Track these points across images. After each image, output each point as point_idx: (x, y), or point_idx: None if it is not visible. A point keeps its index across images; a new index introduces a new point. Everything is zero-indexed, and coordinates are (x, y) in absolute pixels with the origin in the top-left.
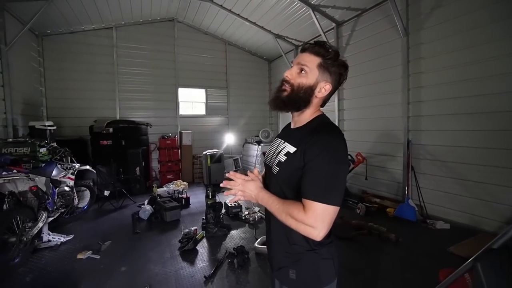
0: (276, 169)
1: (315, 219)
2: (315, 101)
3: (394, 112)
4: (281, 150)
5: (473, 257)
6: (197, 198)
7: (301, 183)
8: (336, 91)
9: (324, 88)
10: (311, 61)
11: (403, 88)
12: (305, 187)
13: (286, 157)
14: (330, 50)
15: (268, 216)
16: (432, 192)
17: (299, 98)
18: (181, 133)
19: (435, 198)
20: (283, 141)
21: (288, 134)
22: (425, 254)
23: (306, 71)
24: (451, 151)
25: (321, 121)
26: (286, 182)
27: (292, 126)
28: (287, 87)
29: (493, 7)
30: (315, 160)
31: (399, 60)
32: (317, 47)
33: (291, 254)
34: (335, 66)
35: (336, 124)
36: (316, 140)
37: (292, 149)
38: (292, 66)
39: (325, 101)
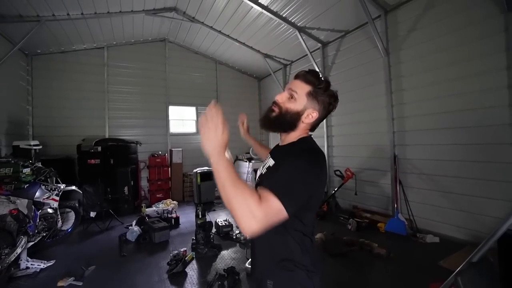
0: (258, 180)
1: (265, 213)
2: (302, 126)
3: (380, 127)
4: (265, 165)
5: (455, 272)
6: (187, 217)
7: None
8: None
9: (311, 115)
10: (302, 88)
11: (387, 105)
12: (268, 181)
13: (266, 170)
14: (322, 80)
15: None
16: (421, 206)
17: (285, 121)
18: (171, 151)
19: (424, 212)
20: (269, 157)
21: (275, 151)
22: (416, 268)
23: (295, 98)
24: (436, 164)
25: (304, 141)
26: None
27: (280, 144)
28: (275, 109)
29: (464, 30)
30: (283, 165)
31: (382, 78)
32: (309, 75)
33: (271, 266)
34: (324, 95)
35: (325, 140)
36: (291, 152)
37: (272, 162)
38: (284, 90)
39: (313, 126)
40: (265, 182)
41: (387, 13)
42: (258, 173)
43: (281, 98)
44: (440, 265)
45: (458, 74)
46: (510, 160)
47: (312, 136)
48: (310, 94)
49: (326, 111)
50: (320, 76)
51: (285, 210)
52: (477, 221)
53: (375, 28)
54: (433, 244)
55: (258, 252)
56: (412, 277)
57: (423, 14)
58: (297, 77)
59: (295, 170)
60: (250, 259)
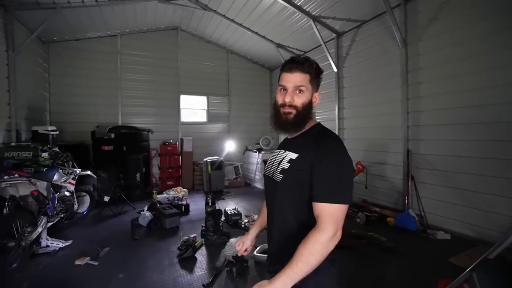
0: (279, 176)
1: (328, 220)
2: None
3: (393, 121)
4: (283, 159)
5: (470, 267)
6: (197, 205)
7: (312, 189)
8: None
9: (316, 97)
10: (304, 79)
11: (402, 98)
12: (316, 191)
13: (289, 164)
14: (314, 65)
15: (271, 221)
16: (432, 202)
17: (304, 116)
18: (182, 139)
19: (435, 208)
20: (283, 151)
21: (287, 144)
22: (425, 264)
23: (303, 90)
24: (450, 160)
25: (320, 129)
26: (290, 188)
27: (289, 137)
28: (291, 110)
29: (489, 20)
30: (321, 166)
31: (398, 70)
32: (305, 64)
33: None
34: (318, 75)
35: (337, 132)
36: (319, 146)
37: (294, 155)
38: (280, 87)
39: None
40: (318, 195)
41: (407, 1)
42: (279, 168)
43: (291, 97)
44: (451, 262)
45: (480, 67)
46: None
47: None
48: (311, 81)
49: (320, 81)
50: (310, 60)
51: (347, 205)
52: (491, 219)
53: (394, 18)
54: (443, 241)
55: (278, 244)
56: (421, 273)
57: (447, 1)
58: (291, 69)
59: (336, 167)
60: (258, 248)
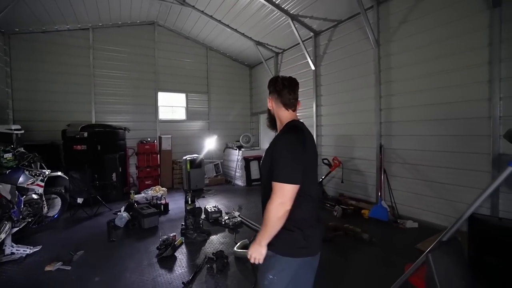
0: (261, 163)
1: (275, 194)
2: (275, 111)
3: (367, 118)
4: (267, 149)
5: (427, 250)
6: (177, 204)
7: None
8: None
9: (269, 101)
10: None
11: (375, 96)
12: (274, 173)
13: (265, 153)
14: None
15: (263, 198)
16: (403, 194)
17: (270, 117)
18: (160, 138)
19: (405, 199)
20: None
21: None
22: (395, 251)
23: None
24: (419, 155)
25: (286, 125)
26: (264, 170)
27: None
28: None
29: (452, 24)
30: (274, 153)
31: (372, 69)
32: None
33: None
34: (270, 87)
35: (314, 129)
36: (277, 138)
37: (267, 146)
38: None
39: (285, 105)
40: (274, 174)
41: (380, 4)
42: (263, 155)
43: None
44: (417, 248)
45: (444, 67)
46: (487, 151)
47: (296, 120)
48: (269, 94)
49: (276, 91)
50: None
51: (294, 184)
52: (455, 208)
53: (367, 19)
54: (412, 229)
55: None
56: (391, 259)
57: (415, 6)
58: None
59: (282, 154)
60: (238, 243)
